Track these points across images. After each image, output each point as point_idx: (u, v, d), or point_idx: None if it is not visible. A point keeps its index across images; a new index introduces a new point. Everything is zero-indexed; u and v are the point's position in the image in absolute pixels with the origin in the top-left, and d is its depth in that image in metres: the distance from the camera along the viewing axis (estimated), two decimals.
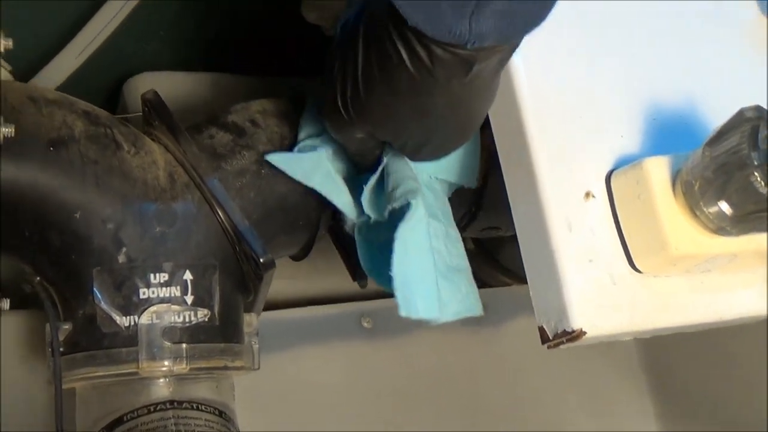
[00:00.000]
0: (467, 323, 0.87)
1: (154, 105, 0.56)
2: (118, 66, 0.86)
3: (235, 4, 0.84)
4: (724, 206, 0.44)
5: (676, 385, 0.91)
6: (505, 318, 0.87)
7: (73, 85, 0.79)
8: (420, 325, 0.86)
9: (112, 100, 0.88)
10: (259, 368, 0.59)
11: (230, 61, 0.88)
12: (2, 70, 0.74)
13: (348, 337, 0.82)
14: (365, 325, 0.83)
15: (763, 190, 0.42)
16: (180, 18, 0.85)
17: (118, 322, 0.52)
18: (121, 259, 0.53)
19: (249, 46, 0.87)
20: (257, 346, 0.58)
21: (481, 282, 0.89)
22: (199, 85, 0.88)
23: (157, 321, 0.52)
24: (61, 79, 0.77)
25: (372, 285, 0.88)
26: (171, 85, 0.86)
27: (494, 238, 0.79)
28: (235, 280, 0.56)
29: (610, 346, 0.80)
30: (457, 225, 0.70)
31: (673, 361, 0.91)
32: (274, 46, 0.87)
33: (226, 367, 0.55)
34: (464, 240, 0.89)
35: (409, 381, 0.83)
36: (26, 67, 0.77)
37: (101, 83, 0.87)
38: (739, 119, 0.44)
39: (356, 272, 0.65)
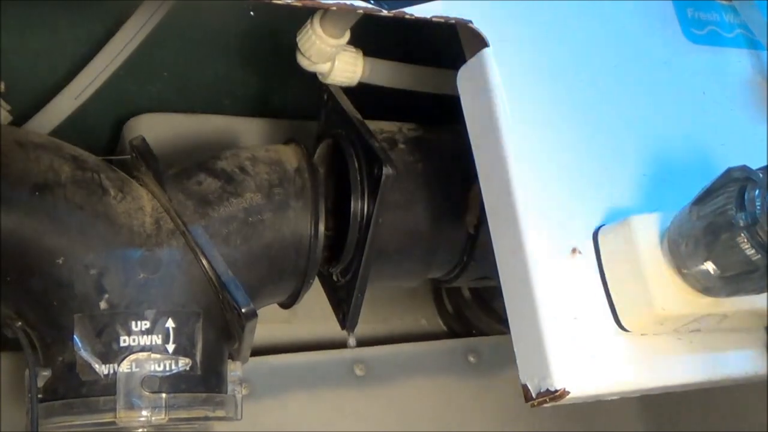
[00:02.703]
0: (461, 372, 0.87)
1: (141, 152, 0.56)
2: (119, 107, 0.86)
3: (234, 46, 0.84)
4: (710, 267, 0.43)
5: None
6: (499, 367, 0.85)
7: (72, 126, 0.79)
8: (413, 373, 0.86)
9: (115, 140, 0.89)
10: (241, 418, 0.58)
11: (230, 103, 0.89)
12: (1, 111, 0.74)
13: (340, 385, 0.81)
14: (358, 372, 0.82)
15: (749, 252, 0.41)
16: (181, 60, 0.85)
17: (97, 370, 0.52)
18: (103, 305, 0.52)
19: (248, 88, 0.88)
20: (240, 395, 0.58)
21: (477, 329, 0.88)
22: (199, 127, 0.88)
23: (137, 369, 0.52)
24: (59, 120, 0.78)
25: (367, 331, 0.88)
26: (171, 126, 0.87)
27: (490, 286, 0.79)
28: (218, 328, 0.55)
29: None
30: (448, 274, 0.70)
31: (673, 411, 0.90)
32: (272, 88, 0.87)
33: (207, 418, 0.54)
34: (459, 288, 0.89)
35: (400, 430, 0.82)
36: (25, 107, 0.78)
37: (102, 124, 0.87)
38: (727, 179, 0.43)
39: (345, 320, 0.64)
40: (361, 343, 0.84)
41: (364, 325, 0.85)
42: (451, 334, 0.91)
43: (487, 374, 0.86)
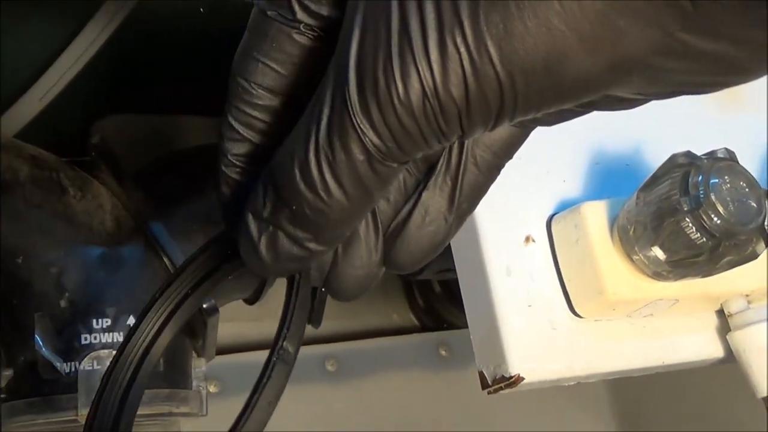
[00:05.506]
0: (432, 366, 0.87)
1: (99, 151, 0.56)
2: (85, 108, 0.86)
3: (202, 46, 0.84)
4: (658, 251, 0.44)
5: (646, 427, 0.90)
6: (471, 360, 0.86)
7: (38, 127, 0.79)
8: (385, 367, 0.87)
9: (84, 141, 0.88)
10: (207, 414, 0.58)
11: (198, 103, 0.89)
12: None
13: (311, 380, 0.81)
14: (329, 368, 0.82)
15: (693, 236, 0.42)
16: (149, 59, 0.85)
17: (58, 368, 0.52)
18: (63, 304, 0.52)
19: (216, 88, 0.88)
20: (205, 391, 0.58)
21: (448, 323, 0.89)
22: (167, 127, 0.88)
23: (98, 367, 0.52)
24: (24, 122, 0.77)
25: (338, 326, 0.88)
26: (140, 126, 0.87)
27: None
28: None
29: (578, 388, 0.80)
30: None
31: (643, 403, 0.91)
32: None
33: (170, 414, 0.54)
34: (430, 282, 0.89)
35: (372, 425, 0.82)
36: None
37: (69, 125, 0.87)
38: (671, 165, 0.44)
39: (310, 316, 0.65)
40: (333, 338, 0.84)
41: (335, 321, 0.86)
42: (423, 328, 0.91)
43: (459, 367, 0.87)
